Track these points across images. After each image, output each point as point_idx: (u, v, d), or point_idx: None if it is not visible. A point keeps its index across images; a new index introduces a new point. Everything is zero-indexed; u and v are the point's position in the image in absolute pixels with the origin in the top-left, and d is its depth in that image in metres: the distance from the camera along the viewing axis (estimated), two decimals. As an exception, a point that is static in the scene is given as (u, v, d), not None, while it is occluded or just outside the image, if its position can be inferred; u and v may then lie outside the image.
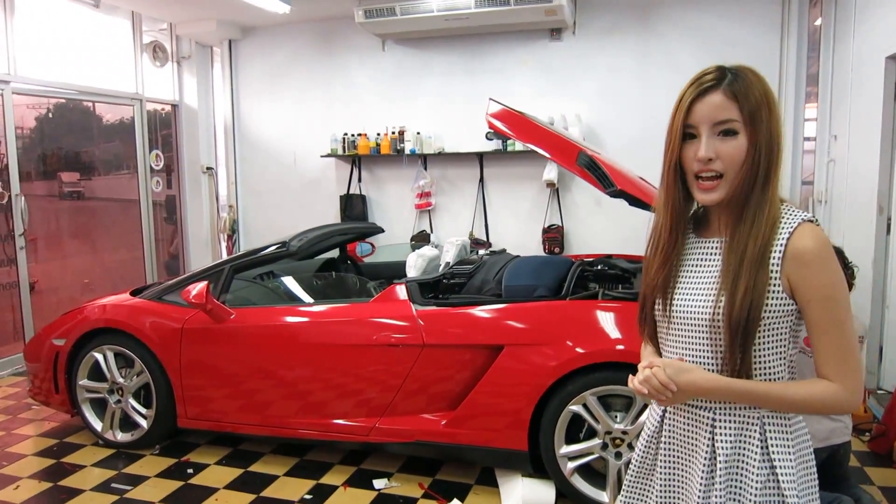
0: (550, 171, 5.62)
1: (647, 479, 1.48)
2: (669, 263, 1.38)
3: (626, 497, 1.52)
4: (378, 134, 6.26)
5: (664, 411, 1.43)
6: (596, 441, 2.86)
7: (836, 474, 2.84)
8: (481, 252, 4.21)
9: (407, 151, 6.09)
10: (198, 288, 3.34)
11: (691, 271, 1.37)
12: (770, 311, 1.26)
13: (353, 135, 6.31)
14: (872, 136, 4.03)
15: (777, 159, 1.28)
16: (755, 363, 1.28)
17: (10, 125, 5.21)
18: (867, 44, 4.18)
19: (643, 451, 1.48)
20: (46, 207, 5.90)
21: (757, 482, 1.29)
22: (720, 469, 1.31)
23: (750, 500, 1.29)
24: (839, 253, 2.78)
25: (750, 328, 1.24)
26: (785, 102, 5.23)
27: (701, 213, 1.42)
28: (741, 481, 1.31)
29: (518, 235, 6.04)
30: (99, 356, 3.66)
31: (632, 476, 1.50)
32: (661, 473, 1.43)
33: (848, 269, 2.79)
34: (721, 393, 1.28)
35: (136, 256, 6.59)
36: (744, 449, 1.31)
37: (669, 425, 1.42)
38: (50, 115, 6.00)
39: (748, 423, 1.31)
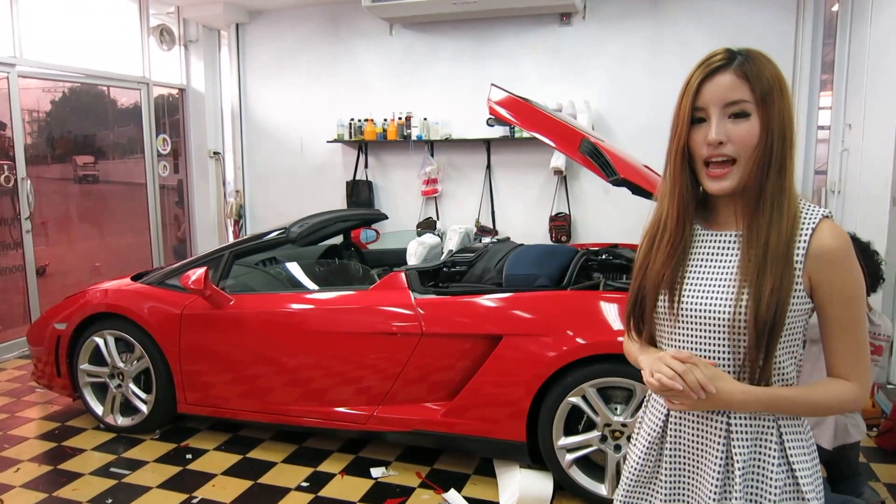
0: (558, 159, 5.55)
1: (647, 486, 1.39)
2: (676, 257, 1.29)
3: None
4: (385, 119, 6.21)
5: (667, 415, 1.34)
6: (595, 433, 2.82)
7: (846, 471, 2.79)
8: (485, 240, 4.16)
9: (414, 137, 6.04)
10: (197, 274, 3.32)
11: (703, 266, 1.29)
12: (791, 311, 1.20)
13: (359, 120, 6.26)
14: (888, 125, 3.92)
15: (791, 146, 1.21)
16: (773, 365, 1.23)
17: (16, 108, 5.21)
18: (885, 30, 4.06)
19: (643, 457, 1.38)
20: (58, 191, 5.93)
21: (777, 487, 1.24)
22: (738, 476, 1.25)
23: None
24: (868, 247, 2.70)
25: (776, 329, 1.18)
26: (799, 90, 5.12)
27: (703, 200, 1.32)
28: (761, 487, 1.26)
29: (525, 223, 5.98)
30: (99, 341, 3.66)
31: (630, 482, 1.41)
32: (665, 480, 1.35)
33: (878, 263, 2.69)
34: (756, 405, 1.21)
35: (145, 240, 6.61)
36: (762, 454, 1.26)
37: (675, 430, 1.33)
38: (65, 98, 6.01)
39: (765, 428, 1.26)
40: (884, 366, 4.06)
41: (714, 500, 1.26)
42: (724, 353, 1.25)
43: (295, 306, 3.36)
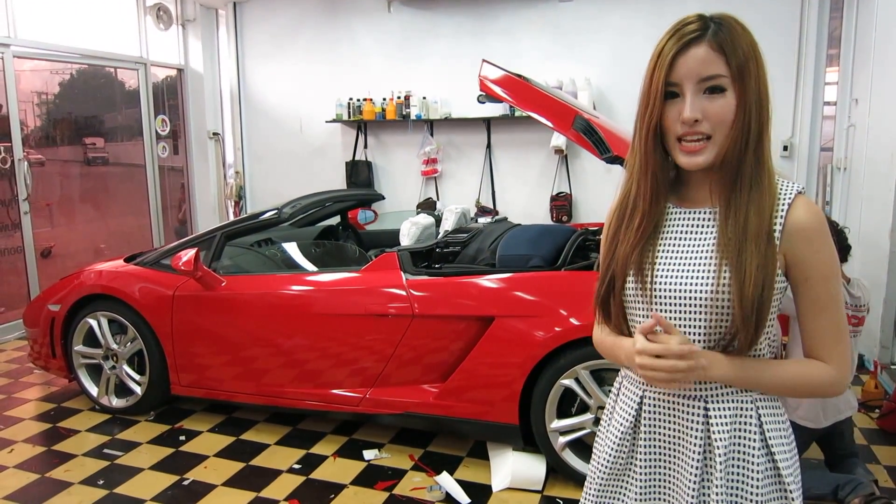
0: (558, 138, 5.47)
1: (620, 478, 1.32)
2: (647, 236, 1.24)
3: (596, 499, 1.34)
4: (384, 99, 6.13)
5: (641, 403, 1.28)
6: (588, 416, 2.78)
7: (840, 449, 2.75)
8: (481, 220, 4.10)
9: (413, 117, 5.96)
10: (187, 255, 3.28)
11: (677, 244, 1.23)
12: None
13: (358, 100, 6.18)
14: (895, 99, 3.82)
15: (768, 118, 1.16)
16: None
17: (11, 88, 5.16)
18: (893, 3, 3.94)
19: (616, 448, 1.30)
20: (62, 173, 5.92)
21: (758, 471, 1.19)
22: (720, 463, 1.19)
23: (753, 492, 1.19)
24: (828, 218, 2.67)
25: (764, 307, 1.13)
26: (805, 65, 4.99)
27: (674, 178, 1.26)
28: (742, 472, 1.20)
29: (526, 203, 5.91)
30: (93, 322, 3.65)
31: (603, 475, 1.32)
32: (640, 471, 1.28)
33: (840, 234, 2.66)
34: (729, 373, 1.17)
35: (147, 222, 6.59)
36: (742, 438, 1.21)
37: (650, 418, 1.27)
38: (72, 80, 6.00)
39: (744, 410, 1.20)
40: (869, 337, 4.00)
41: (693, 488, 1.21)
42: (700, 332, 1.19)
43: (287, 288, 3.32)
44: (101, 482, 2.99)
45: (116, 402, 3.70)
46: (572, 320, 2.75)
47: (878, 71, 4.12)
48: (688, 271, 1.20)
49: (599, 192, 5.72)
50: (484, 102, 3.08)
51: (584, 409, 2.80)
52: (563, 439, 2.83)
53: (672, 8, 5.30)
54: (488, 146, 5.99)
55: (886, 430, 3.33)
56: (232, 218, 7.02)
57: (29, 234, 5.38)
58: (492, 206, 5.99)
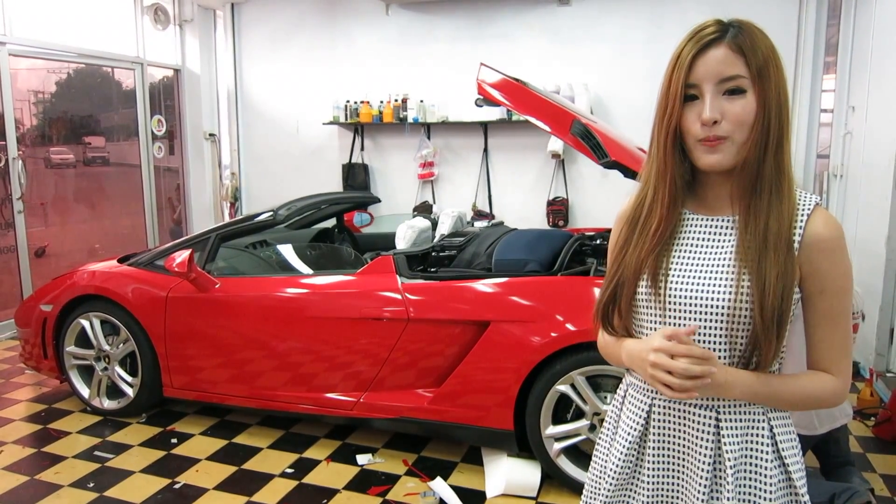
0: (556, 142, 5.46)
1: (627, 487, 1.29)
2: (663, 243, 1.21)
3: None
4: (381, 101, 6.12)
5: (649, 413, 1.25)
6: (584, 422, 2.77)
7: (836, 458, 2.74)
8: (477, 224, 4.08)
9: (410, 120, 5.95)
10: (181, 256, 3.26)
11: (694, 252, 1.20)
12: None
13: (355, 102, 6.17)
14: (891, 107, 3.83)
15: (788, 123, 1.14)
16: None
17: (6, 87, 5.13)
18: (890, 11, 3.95)
19: (623, 459, 1.27)
20: (57, 172, 5.89)
21: (772, 483, 1.17)
22: (730, 473, 1.17)
23: (765, 500, 1.18)
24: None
25: (784, 317, 1.11)
26: (802, 73, 5.00)
27: (691, 182, 1.23)
28: (754, 485, 1.18)
29: (522, 208, 5.90)
30: (85, 323, 3.62)
31: (610, 484, 1.29)
32: (647, 481, 1.26)
33: None
34: (742, 388, 1.14)
35: (142, 222, 6.56)
36: (754, 449, 1.19)
37: (660, 426, 1.24)
38: (69, 80, 5.99)
39: (755, 421, 1.19)
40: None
41: (703, 500, 1.19)
42: (720, 344, 1.17)
43: (282, 290, 3.30)
44: (92, 485, 2.96)
45: (108, 404, 3.66)
46: (568, 326, 2.74)
47: (875, 78, 4.13)
48: (705, 279, 1.18)
49: (596, 197, 5.72)
50: (482, 106, 3.07)
51: (579, 415, 2.79)
52: (558, 445, 2.81)
53: (670, 15, 5.34)
54: (485, 150, 5.98)
55: (882, 439, 3.33)
56: (227, 219, 6.99)
57: (22, 234, 5.34)
58: (488, 211, 5.98)
